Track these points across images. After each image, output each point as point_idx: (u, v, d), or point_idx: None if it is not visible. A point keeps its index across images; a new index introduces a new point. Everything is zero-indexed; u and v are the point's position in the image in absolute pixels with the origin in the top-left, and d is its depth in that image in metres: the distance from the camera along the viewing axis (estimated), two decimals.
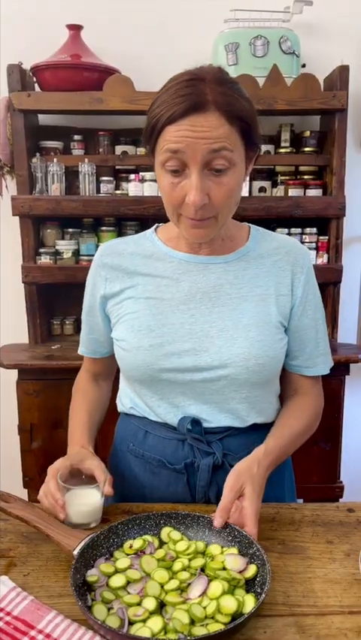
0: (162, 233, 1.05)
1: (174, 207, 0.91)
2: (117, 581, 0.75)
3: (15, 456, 1.94)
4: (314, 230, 1.97)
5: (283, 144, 1.99)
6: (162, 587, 0.74)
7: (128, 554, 0.81)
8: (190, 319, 0.97)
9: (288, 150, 1.98)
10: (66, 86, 1.83)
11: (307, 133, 1.99)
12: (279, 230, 1.96)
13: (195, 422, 0.98)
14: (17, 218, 1.91)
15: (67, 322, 2.11)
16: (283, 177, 2.01)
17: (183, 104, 0.84)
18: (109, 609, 0.71)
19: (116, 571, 0.77)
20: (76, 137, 1.99)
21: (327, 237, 1.98)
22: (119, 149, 1.99)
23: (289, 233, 1.96)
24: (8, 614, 0.71)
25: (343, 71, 1.85)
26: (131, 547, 0.82)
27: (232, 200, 0.91)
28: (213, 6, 1.93)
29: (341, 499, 1.99)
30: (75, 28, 1.87)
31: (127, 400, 1.07)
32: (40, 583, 0.78)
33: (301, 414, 1.04)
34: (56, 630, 0.68)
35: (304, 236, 1.97)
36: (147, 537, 0.83)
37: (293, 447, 1.02)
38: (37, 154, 1.92)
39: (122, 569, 0.77)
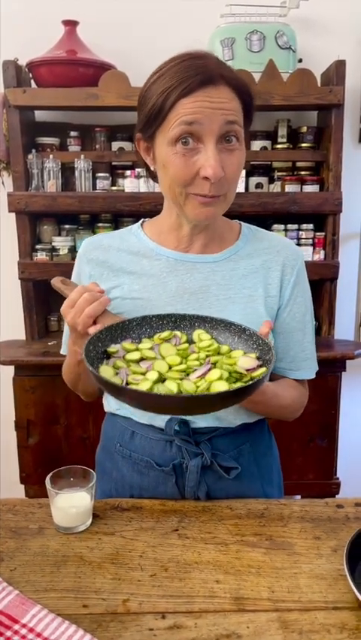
0: (149, 228, 1.04)
1: (184, 185, 0.88)
2: (133, 355, 0.82)
3: (12, 452, 1.95)
4: (311, 226, 1.97)
5: (279, 140, 1.98)
6: (170, 368, 0.79)
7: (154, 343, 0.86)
8: None
9: (285, 146, 1.97)
10: (62, 81, 1.82)
11: (304, 128, 1.98)
12: (275, 226, 1.96)
13: (183, 423, 0.97)
14: (13, 214, 1.91)
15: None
16: (279, 173, 2.01)
17: (198, 76, 0.84)
18: (116, 374, 0.78)
19: (137, 350, 0.83)
20: (72, 133, 1.99)
21: (324, 233, 1.97)
22: (115, 145, 1.99)
23: (285, 229, 1.96)
24: None
25: (340, 66, 1.84)
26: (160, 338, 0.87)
27: (238, 178, 0.91)
28: (209, 1, 1.92)
29: (337, 496, 1.99)
30: (71, 24, 1.87)
31: (113, 401, 1.05)
32: (26, 578, 0.78)
33: (287, 386, 1.02)
34: (39, 625, 0.68)
35: (300, 232, 1.96)
36: (178, 332, 0.88)
37: (276, 401, 0.97)
38: (34, 150, 1.92)
39: (143, 349, 0.83)
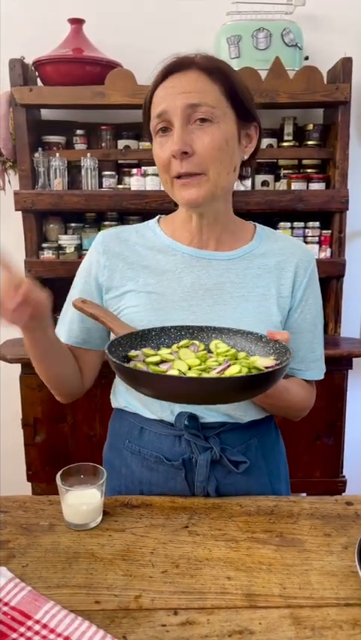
0: (165, 224, 1.05)
1: (164, 169, 0.93)
2: (153, 358, 0.84)
3: (19, 450, 1.96)
4: (317, 224, 1.97)
5: (285, 137, 1.98)
6: (190, 368, 0.81)
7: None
8: (191, 316, 0.96)
9: (291, 144, 1.97)
10: (68, 80, 1.83)
11: (310, 126, 1.98)
12: (281, 224, 1.95)
13: (192, 417, 0.97)
14: (20, 213, 1.92)
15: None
16: (285, 171, 2.01)
17: (166, 67, 0.90)
18: None
19: (157, 355, 0.86)
20: (78, 131, 1.99)
21: (330, 231, 1.97)
22: (121, 143, 1.99)
23: (291, 227, 1.96)
24: (6, 604, 0.71)
25: (346, 63, 1.84)
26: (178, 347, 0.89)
27: (220, 157, 0.91)
28: None
29: (343, 494, 1.99)
30: (77, 22, 1.87)
31: (121, 398, 1.05)
32: (38, 574, 0.79)
33: (296, 384, 1.03)
34: (52, 620, 0.69)
35: (307, 230, 1.96)
36: (196, 341, 0.90)
37: (286, 395, 0.97)
38: (40, 149, 1.92)
39: (162, 354, 0.85)
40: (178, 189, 0.93)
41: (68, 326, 1.06)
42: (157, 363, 0.85)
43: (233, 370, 0.79)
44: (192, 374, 0.80)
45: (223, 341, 0.91)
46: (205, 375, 0.80)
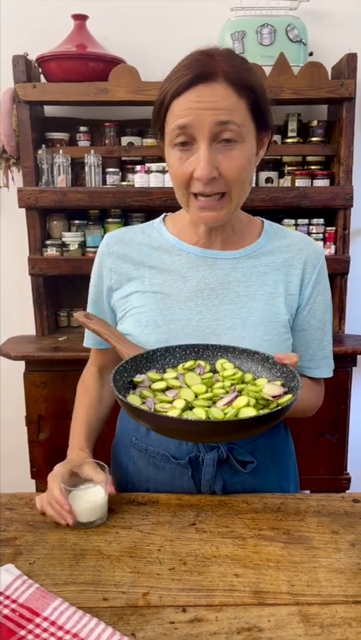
0: (171, 223, 1.04)
1: (182, 185, 0.89)
2: (159, 384, 0.83)
3: (23, 447, 1.96)
4: (321, 220, 1.96)
5: (290, 134, 1.97)
6: (196, 397, 0.80)
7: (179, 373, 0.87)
8: (197, 316, 0.96)
9: (295, 140, 1.96)
10: (72, 76, 1.82)
11: (315, 122, 1.97)
12: (286, 221, 1.95)
13: None
14: (23, 210, 1.91)
15: (74, 314, 2.11)
16: (290, 167, 2.00)
17: (190, 74, 0.83)
18: (143, 403, 0.80)
19: (162, 380, 0.84)
20: (82, 128, 1.99)
21: (334, 228, 1.96)
22: (125, 140, 1.98)
23: (296, 224, 1.95)
24: (14, 601, 0.71)
25: (351, 59, 1.83)
26: (183, 368, 0.88)
27: (243, 177, 0.89)
28: None
29: (347, 491, 1.98)
30: (80, 18, 1.86)
31: None
32: (45, 571, 0.78)
33: (305, 385, 1.01)
34: (61, 617, 0.69)
35: (311, 227, 1.96)
36: (201, 361, 0.89)
37: (299, 402, 0.95)
38: (43, 145, 1.91)
39: (168, 378, 0.84)
40: (195, 210, 0.90)
41: (88, 334, 1.09)
42: (163, 390, 0.84)
43: (241, 403, 0.78)
44: (199, 405, 0.80)
45: (229, 360, 0.90)
46: (213, 409, 0.79)
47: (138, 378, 0.87)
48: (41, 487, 1.93)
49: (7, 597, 0.72)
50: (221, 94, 0.83)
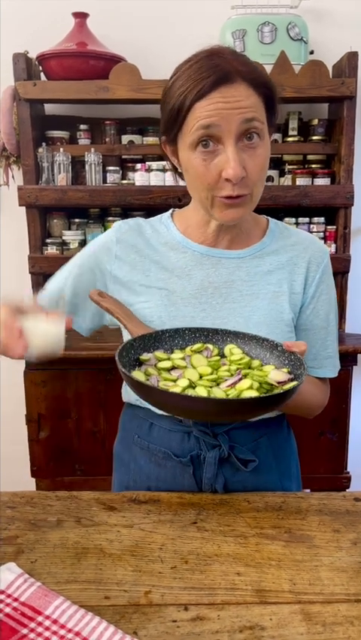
0: (178, 219, 1.04)
1: (208, 189, 0.88)
2: (164, 363, 0.83)
3: (23, 445, 1.95)
4: (322, 219, 1.96)
5: (290, 132, 1.97)
6: (200, 378, 0.80)
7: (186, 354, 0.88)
8: (201, 314, 0.96)
9: (296, 139, 1.96)
10: (72, 74, 1.82)
11: (316, 121, 1.97)
12: (286, 219, 1.95)
13: None
14: (24, 208, 1.91)
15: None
16: (290, 166, 2.00)
17: (212, 76, 0.83)
18: (147, 380, 0.80)
19: (168, 359, 0.85)
20: (82, 126, 1.99)
21: (335, 227, 1.96)
22: (125, 138, 1.98)
23: (296, 223, 1.95)
24: (15, 600, 0.71)
25: (352, 58, 1.83)
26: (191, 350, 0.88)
27: (263, 176, 0.90)
28: None
29: (348, 490, 1.98)
30: (81, 16, 1.86)
31: (132, 393, 1.05)
32: (47, 569, 0.78)
33: (310, 384, 1.01)
34: (63, 616, 0.69)
35: (311, 226, 1.96)
36: (210, 345, 0.88)
37: (300, 397, 0.91)
38: (44, 144, 1.91)
39: (175, 358, 0.84)
40: (221, 208, 0.90)
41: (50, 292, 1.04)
42: (169, 369, 0.84)
43: (244, 385, 0.78)
44: (202, 385, 0.80)
45: (238, 345, 0.90)
46: (215, 389, 0.80)
47: (145, 356, 0.87)
48: (42, 485, 1.93)
49: (9, 596, 0.72)
50: (244, 93, 0.84)
